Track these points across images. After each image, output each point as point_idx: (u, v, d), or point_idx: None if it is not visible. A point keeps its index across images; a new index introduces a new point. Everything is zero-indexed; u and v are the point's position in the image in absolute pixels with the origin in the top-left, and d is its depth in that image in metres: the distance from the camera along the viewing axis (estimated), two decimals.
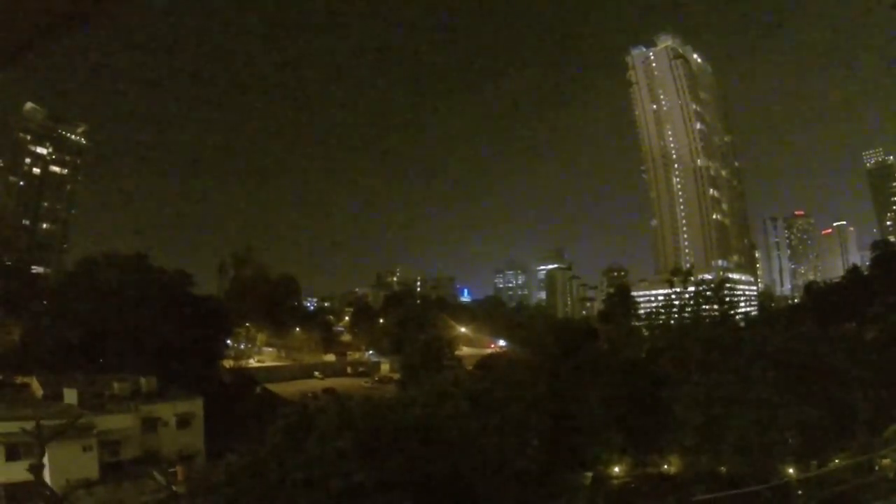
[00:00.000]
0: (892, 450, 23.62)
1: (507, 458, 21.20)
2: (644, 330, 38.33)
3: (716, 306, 30.88)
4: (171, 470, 23.22)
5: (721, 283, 34.13)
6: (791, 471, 25.28)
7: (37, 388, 31.58)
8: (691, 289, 31.85)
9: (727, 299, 33.03)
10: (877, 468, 25.40)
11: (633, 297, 74.08)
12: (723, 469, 26.23)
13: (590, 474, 25.96)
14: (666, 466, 27.90)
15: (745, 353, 25.42)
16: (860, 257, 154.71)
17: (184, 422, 29.36)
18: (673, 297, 32.91)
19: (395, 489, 18.12)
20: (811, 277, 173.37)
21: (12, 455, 23.55)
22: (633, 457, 27.68)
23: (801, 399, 25.43)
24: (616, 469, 27.50)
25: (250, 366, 64.71)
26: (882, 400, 26.93)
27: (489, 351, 69.94)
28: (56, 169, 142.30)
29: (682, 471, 27.18)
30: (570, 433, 26.07)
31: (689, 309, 30.24)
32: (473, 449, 20.97)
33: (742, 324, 39.13)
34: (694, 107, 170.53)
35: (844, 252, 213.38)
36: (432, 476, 19.47)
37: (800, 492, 23.61)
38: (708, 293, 30.30)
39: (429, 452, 19.97)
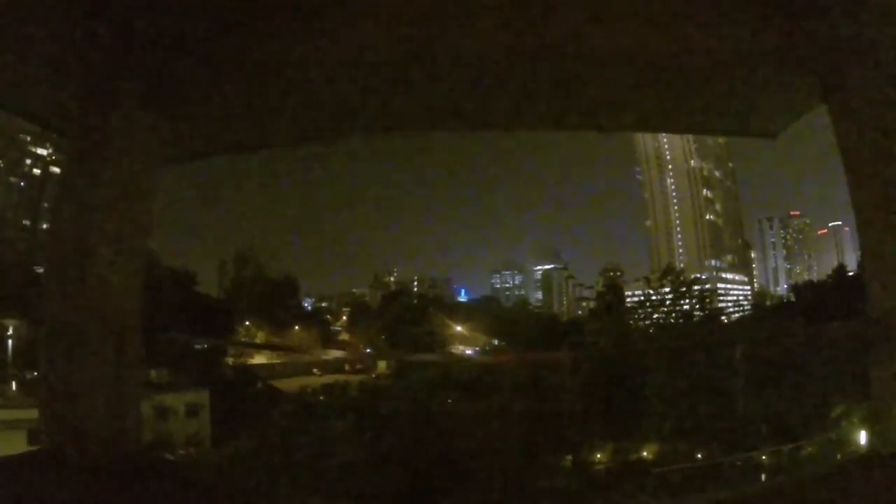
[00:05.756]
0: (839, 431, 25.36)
1: (492, 440, 22.99)
2: (632, 325, 40.16)
3: (698, 303, 32.74)
4: (182, 453, 24.92)
5: (695, 282, 35.98)
6: (764, 457, 26.96)
7: None
8: (668, 288, 33.72)
9: (705, 296, 34.91)
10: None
11: (627, 295, 75.52)
12: (699, 455, 27.91)
13: (570, 457, 27.72)
14: (645, 453, 29.57)
15: (716, 346, 27.19)
16: (855, 257, 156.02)
17: (192, 411, 31.31)
18: (653, 295, 34.87)
19: (391, 466, 19.92)
20: (806, 277, 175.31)
21: (35, 440, 25.27)
22: (613, 443, 29.38)
23: (770, 389, 27.13)
24: (598, 455, 29.19)
25: (251, 363, 66.27)
26: (849, 392, 28.59)
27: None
28: (56, 170, 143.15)
29: (659, 457, 28.87)
30: (551, 420, 27.84)
31: (667, 306, 32.10)
32: (462, 432, 22.76)
33: (724, 320, 41.07)
34: None
35: (839, 252, 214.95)
36: (425, 456, 21.26)
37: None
38: (684, 290, 32.15)
39: (421, 435, 21.77)
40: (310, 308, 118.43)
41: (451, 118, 5.43)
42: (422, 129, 5.57)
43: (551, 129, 7.46)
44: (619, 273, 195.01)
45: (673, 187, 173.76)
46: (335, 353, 79.89)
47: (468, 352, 66.94)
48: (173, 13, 4.16)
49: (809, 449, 27.37)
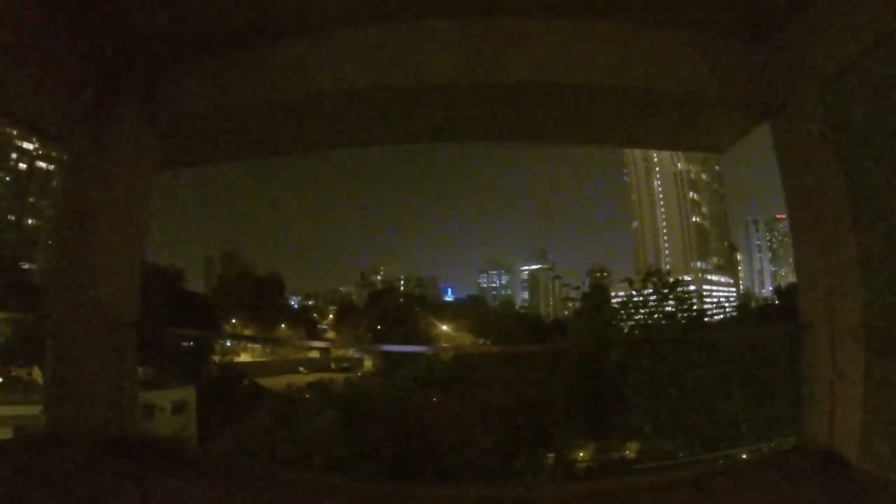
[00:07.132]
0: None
1: (475, 436, 23.24)
2: (617, 324, 40.27)
3: (681, 304, 33.00)
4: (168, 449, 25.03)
5: (677, 283, 36.16)
6: (744, 456, 27.36)
7: (37, 377, 33.31)
8: (650, 289, 34.01)
9: (688, 297, 35.18)
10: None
11: (612, 296, 75.86)
12: (680, 454, 28.25)
13: (551, 455, 28.00)
14: (627, 452, 29.86)
15: (692, 344, 27.51)
16: None
17: (178, 408, 31.41)
18: (636, 296, 35.11)
19: (375, 461, 20.13)
20: (791, 279, 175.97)
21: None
22: (595, 442, 29.67)
23: (751, 389, 27.54)
24: (581, 454, 29.46)
25: (237, 361, 66.31)
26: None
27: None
28: (42, 164, 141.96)
29: (640, 455, 29.16)
30: (533, 417, 28.11)
31: (648, 306, 32.38)
32: (445, 428, 23.00)
33: (707, 321, 41.33)
34: None
35: None
36: (408, 451, 21.49)
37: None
38: (666, 291, 32.41)
39: (405, 431, 21.99)
40: (296, 306, 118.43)
41: (413, 136, 5.81)
42: (394, 143, 5.95)
43: (518, 143, 7.88)
44: (605, 274, 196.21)
45: (660, 189, 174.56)
46: (322, 343, 79.83)
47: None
48: (169, 31, 4.50)
49: (787, 447, 27.89)
